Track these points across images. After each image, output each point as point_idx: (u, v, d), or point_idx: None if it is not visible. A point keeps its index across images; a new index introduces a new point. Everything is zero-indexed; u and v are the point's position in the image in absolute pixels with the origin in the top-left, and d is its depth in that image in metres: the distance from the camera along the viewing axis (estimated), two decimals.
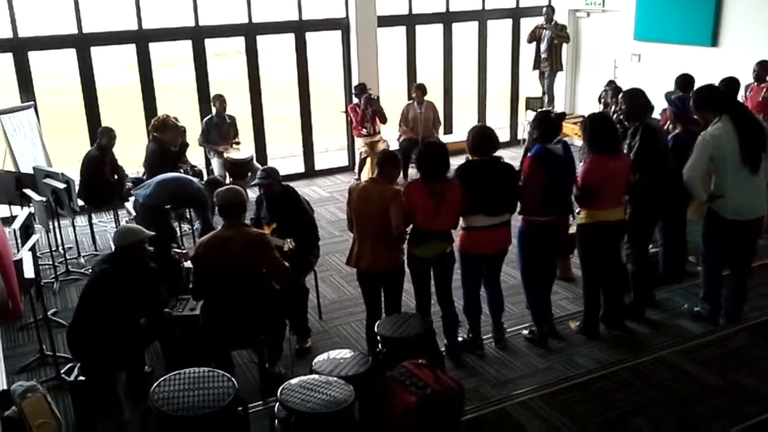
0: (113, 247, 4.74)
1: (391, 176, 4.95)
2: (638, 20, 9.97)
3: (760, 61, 7.67)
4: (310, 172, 10.48)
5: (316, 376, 3.82)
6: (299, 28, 9.92)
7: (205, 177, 8.81)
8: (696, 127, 5.47)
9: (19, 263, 5.01)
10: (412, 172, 9.72)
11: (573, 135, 9.56)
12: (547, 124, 5.27)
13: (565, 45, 10.90)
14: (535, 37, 10.89)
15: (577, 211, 5.42)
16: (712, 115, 5.15)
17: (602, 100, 8.38)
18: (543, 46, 10.81)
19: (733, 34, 8.76)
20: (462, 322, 5.42)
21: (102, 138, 7.57)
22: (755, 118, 5.41)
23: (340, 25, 10.14)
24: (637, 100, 5.60)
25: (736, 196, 5.14)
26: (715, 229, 5.34)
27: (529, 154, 5.24)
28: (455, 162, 5.23)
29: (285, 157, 11.67)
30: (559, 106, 11.18)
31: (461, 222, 5.05)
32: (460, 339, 5.41)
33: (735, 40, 8.72)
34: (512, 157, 8.96)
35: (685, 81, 6.89)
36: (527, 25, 11.73)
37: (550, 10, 10.84)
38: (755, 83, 7.69)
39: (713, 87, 5.55)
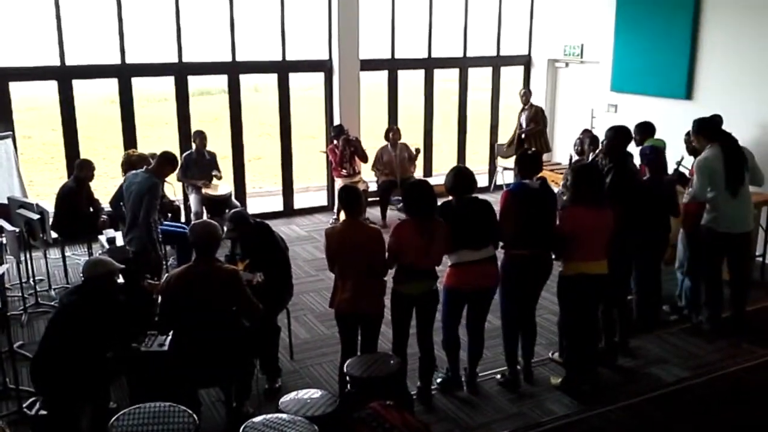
0: (82, 279, 4.68)
1: (360, 209, 5.05)
2: (615, 72, 10.19)
3: None
4: (289, 211, 10.48)
5: (281, 415, 3.76)
6: (282, 69, 10.03)
7: (183, 213, 8.84)
8: (663, 176, 5.82)
9: None
10: (391, 213, 9.80)
11: (551, 182, 9.66)
12: (526, 161, 5.37)
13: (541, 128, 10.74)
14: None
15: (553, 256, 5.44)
16: (706, 141, 6.01)
17: (576, 149, 8.49)
18: (523, 125, 10.77)
19: (707, 88, 8.97)
20: (438, 367, 5.40)
21: (79, 170, 7.52)
22: (740, 149, 6.02)
23: (324, 67, 10.27)
24: (620, 136, 5.84)
25: (727, 211, 5.94)
26: (708, 242, 6.09)
27: (505, 189, 5.33)
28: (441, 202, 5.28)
29: (264, 195, 11.70)
30: None
31: (448, 259, 5.10)
32: (439, 379, 5.40)
33: (709, 93, 8.92)
34: (491, 202, 8.96)
35: (648, 128, 7.05)
36: (507, 73, 11.96)
37: (528, 92, 10.90)
38: None
39: (714, 118, 6.23)
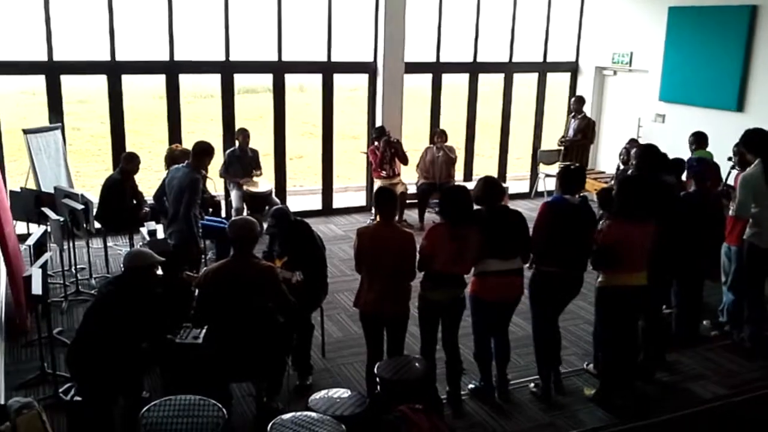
0: (122, 269, 4.76)
1: (394, 211, 5.05)
2: (664, 81, 10.00)
3: None
4: (328, 210, 10.52)
5: (309, 414, 3.77)
6: (327, 69, 10.08)
7: (223, 208, 8.94)
8: (710, 187, 5.66)
9: (27, 279, 5.05)
10: (429, 216, 9.76)
11: (592, 191, 9.52)
12: (568, 176, 5.30)
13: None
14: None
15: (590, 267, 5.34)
16: (753, 156, 5.84)
17: (622, 158, 8.36)
18: (570, 133, 10.62)
19: (760, 100, 8.75)
20: (466, 370, 5.36)
21: (126, 163, 7.65)
22: None
23: (368, 68, 10.29)
24: (646, 156, 5.71)
25: None
26: (750, 258, 5.94)
27: (544, 201, 5.26)
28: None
29: (304, 194, 11.77)
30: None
31: (474, 268, 5.06)
32: (471, 386, 5.38)
33: (761, 106, 8.70)
34: (531, 208, 8.95)
35: (703, 138, 6.92)
36: (553, 79, 11.82)
37: (580, 99, 10.70)
38: None
39: (763, 133, 5.93)
